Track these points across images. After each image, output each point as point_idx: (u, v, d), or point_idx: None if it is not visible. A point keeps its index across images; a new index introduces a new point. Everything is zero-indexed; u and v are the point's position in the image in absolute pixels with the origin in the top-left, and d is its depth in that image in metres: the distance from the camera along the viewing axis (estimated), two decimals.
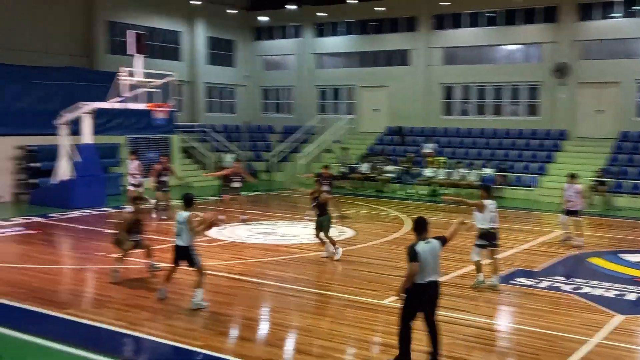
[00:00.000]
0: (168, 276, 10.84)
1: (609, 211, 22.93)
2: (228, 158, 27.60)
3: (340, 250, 13.94)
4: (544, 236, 17.38)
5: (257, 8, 36.51)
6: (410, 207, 23.56)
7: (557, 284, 12.02)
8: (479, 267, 11.72)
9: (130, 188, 19.03)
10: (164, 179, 18.96)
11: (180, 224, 10.36)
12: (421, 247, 7.69)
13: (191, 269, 10.54)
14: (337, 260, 13.58)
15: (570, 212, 16.12)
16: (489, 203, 11.76)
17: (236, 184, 18.89)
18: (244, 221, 18.39)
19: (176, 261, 10.60)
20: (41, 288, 11.27)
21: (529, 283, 12.13)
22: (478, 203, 11.78)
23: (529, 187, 25.87)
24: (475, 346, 8.69)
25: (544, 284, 12.03)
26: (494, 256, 11.90)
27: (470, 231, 10.85)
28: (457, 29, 31.65)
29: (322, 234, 13.97)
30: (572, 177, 16.62)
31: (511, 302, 11.16)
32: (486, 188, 12.32)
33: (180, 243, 10.38)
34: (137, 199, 12.66)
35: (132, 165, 19.39)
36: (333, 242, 13.99)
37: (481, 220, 11.69)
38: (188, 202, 10.61)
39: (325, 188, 19.01)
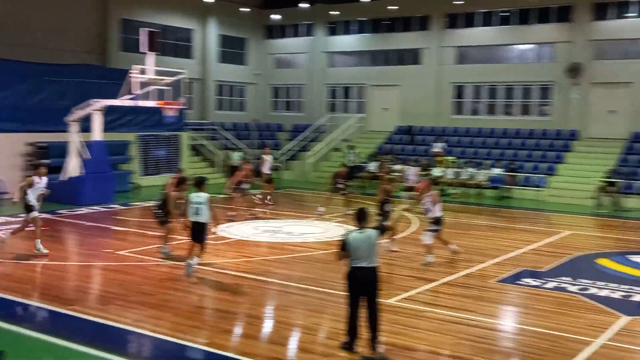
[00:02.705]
0: (190, 251, 11.89)
1: (618, 212, 22.77)
2: (236, 156, 27.66)
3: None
4: (551, 237, 17.28)
5: (269, 6, 36.55)
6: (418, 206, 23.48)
7: (563, 285, 11.95)
8: (429, 249, 13.31)
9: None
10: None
11: (200, 204, 11.59)
12: (353, 236, 8.33)
13: (197, 243, 11.77)
14: None
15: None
16: (436, 193, 13.79)
17: (245, 185, 19.18)
18: (254, 215, 18.91)
19: (195, 237, 11.77)
20: (47, 284, 11.36)
21: (535, 283, 12.08)
22: (428, 194, 13.70)
23: (538, 187, 25.75)
24: (480, 346, 8.66)
25: (550, 285, 11.97)
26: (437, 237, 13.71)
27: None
28: (470, 28, 31.52)
29: None
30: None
31: (517, 302, 11.13)
32: (430, 181, 14.59)
33: (202, 220, 11.63)
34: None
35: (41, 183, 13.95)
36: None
37: (437, 210, 13.52)
38: (199, 184, 11.93)
39: (340, 186, 19.55)
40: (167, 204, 13.48)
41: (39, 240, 13.49)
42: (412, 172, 23.76)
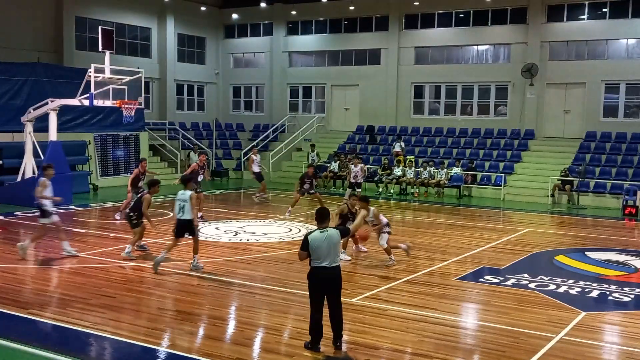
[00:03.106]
0: (171, 247, 12.54)
1: (574, 210, 23.30)
2: (195, 157, 27.22)
3: None
4: (510, 234, 17.58)
5: (228, 5, 36.35)
6: (380, 205, 23.63)
7: (523, 282, 12.17)
8: (389, 251, 13.36)
9: None
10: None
11: (184, 201, 12.18)
12: (314, 235, 8.31)
13: (191, 238, 12.48)
14: None
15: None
16: (371, 210, 13.40)
17: (201, 177, 18.74)
18: (201, 218, 18.21)
19: (179, 234, 12.37)
20: (3, 287, 11.06)
21: (495, 281, 12.27)
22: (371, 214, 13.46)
23: (497, 185, 26.17)
24: (442, 343, 8.75)
25: (510, 282, 12.18)
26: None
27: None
28: (428, 29, 31.86)
29: None
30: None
31: (478, 299, 11.27)
32: (365, 199, 13.54)
33: (186, 217, 12.21)
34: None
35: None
36: None
37: (384, 219, 13.63)
38: (186, 182, 12.73)
39: (306, 187, 19.85)
40: (141, 206, 13.27)
41: (67, 242, 13.59)
42: (358, 169, 23.09)
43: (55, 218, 13.51)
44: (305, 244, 8.34)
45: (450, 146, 29.75)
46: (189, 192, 12.31)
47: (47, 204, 13.21)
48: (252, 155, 23.48)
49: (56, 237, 15.73)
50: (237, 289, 11.49)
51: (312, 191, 20.34)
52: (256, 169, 23.34)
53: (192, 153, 27.68)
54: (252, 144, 29.25)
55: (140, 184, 18.50)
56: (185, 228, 12.36)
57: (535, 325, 9.59)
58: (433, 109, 32.27)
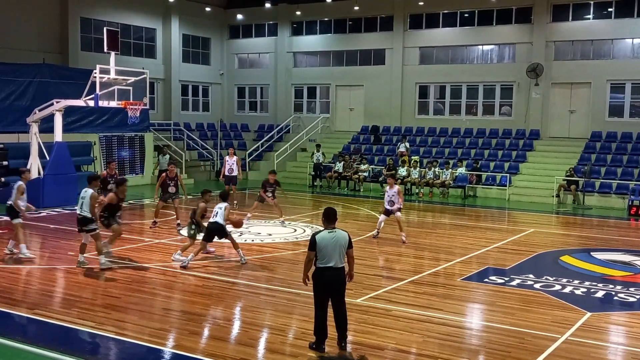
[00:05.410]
0: (200, 250, 13.24)
1: (579, 210, 23.24)
2: (164, 160, 24.79)
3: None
4: (515, 235, 17.54)
5: (233, 6, 36.40)
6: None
7: (528, 282, 12.14)
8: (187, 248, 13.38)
9: None
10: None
11: (219, 209, 13.02)
12: (322, 235, 8.26)
13: (224, 240, 13.40)
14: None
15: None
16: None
17: (172, 189, 17.53)
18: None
19: (210, 237, 13.12)
20: (10, 288, 11.09)
21: (500, 281, 12.25)
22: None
23: (502, 186, 26.12)
24: (447, 344, 8.74)
25: (515, 282, 12.15)
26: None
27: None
28: (433, 29, 31.83)
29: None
30: None
31: (483, 300, 11.25)
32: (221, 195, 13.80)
33: (220, 221, 12.95)
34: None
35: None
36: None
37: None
38: (224, 197, 13.47)
39: (269, 195, 18.55)
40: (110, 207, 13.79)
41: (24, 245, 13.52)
42: (394, 191, 17.10)
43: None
44: (312, 243, 8.26)
45: (455, 146, 29.71)
46: (224, 204, 13.08)
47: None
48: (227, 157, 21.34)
49: (61, 237, 15.81)
50: (242, 290, 11.50)
51: (266, 199, 18.54)
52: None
53: (161, 156, 25.39)
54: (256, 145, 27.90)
55: (110, 186, 17.51)
56: (216, 232, 13.10)
57: (540, 325, 9.57)
58: (438, 109, 32.23)
